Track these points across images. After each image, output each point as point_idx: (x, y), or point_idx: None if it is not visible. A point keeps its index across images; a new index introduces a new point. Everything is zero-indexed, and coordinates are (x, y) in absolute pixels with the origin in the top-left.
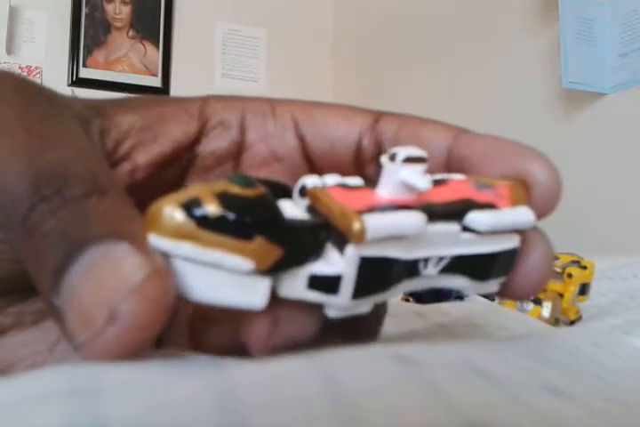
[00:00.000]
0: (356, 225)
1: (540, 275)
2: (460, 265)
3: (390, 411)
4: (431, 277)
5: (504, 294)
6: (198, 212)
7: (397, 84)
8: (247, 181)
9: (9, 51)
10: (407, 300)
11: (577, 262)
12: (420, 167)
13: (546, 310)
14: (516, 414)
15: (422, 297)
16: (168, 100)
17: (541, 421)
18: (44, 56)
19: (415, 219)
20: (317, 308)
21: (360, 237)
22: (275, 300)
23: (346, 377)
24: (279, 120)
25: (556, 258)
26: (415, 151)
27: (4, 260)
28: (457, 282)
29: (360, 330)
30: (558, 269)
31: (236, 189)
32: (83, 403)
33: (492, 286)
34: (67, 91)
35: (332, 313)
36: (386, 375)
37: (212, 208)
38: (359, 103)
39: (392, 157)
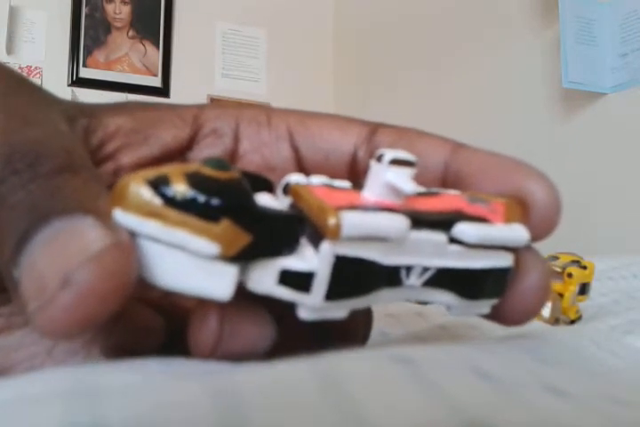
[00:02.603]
0: (332, 220)
1: (534, 298)
2: (446, 279)
3: (390, 411)
4: (414, 289)
5: (495, 317)
6: (165, 190)
7: (397, 84)
8: (221, 165)
9: (9, 51)
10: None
11: (577, 262)
12: (407, 171)
13: (546, 309)
14: (516, 414)
15: None
16: (163, 106)
17: (541, 421)
18: (44, 56)
19: (396, 221)
20: (267, 321)
21: (335, 233)
22: (222, 313)
23: (346, 378)
24: (274, 130)
25: (556, 258)
26: (403, 154)
27: None
28: (443, 298)
29: (346, 336)
30: (558, 269)
31: (207, 171)
32: (82, 404)
33: (483, 306)
34: (67, 91)
35: (303, 314)
36: (386, 376)
37: (179, 187)
38: (359, 103)
39: (379, 158)
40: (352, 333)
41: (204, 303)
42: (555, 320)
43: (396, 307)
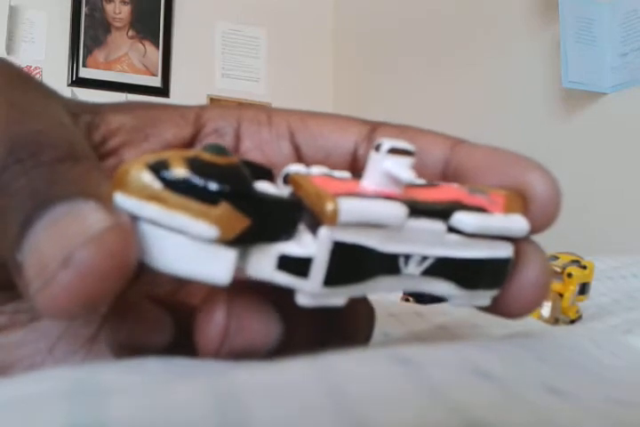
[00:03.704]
0: (329, 206)
1: (535, 290)
2: (445, 269)
3: (390, 411)
4: (413, 278)
5: (496, 309)
6: (165, 174)
7: (397, 84)
8: (220, 150)
9: (9, 50)
10: (407, 300)
11: (577, 262)
12: (405, 160)
13: (546, 309)
14: (516, 414)
15: (422, 297)
16: (165, 106)
17: (541, 421)
18: (43, 56)
19: (394, 208)
20: (274, 318)
21: (332, 219)
22: (229, 309)
23: (346, 378)
24: (275, 128)
25: (556, 258)
26: (401, 143)
27: None
28: (442, 287)
29: (348, 336)
30: (558, 269)
31: (206, 156)
32: (83, 404)
33: (483, 297)
34: (67, 91)
35: (302, 300)
36: (386, 376)
37: (179, 171)
38: (359, 103)
39: (377, 148)
40: (354, 332)
41: (210, 299)
42: (555, 320)
43: (396, 307)
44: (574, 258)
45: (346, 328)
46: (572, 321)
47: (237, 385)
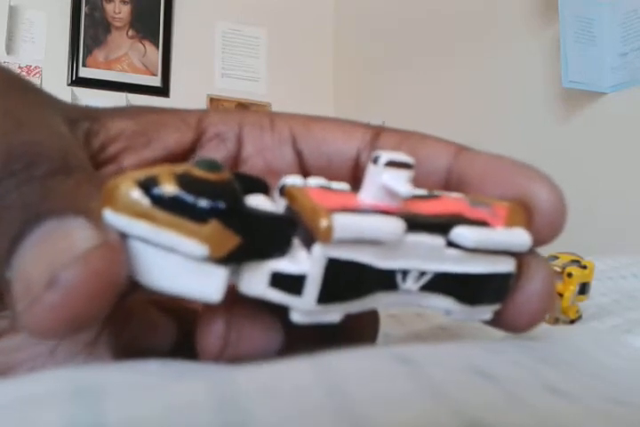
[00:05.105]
0: (324, 222)
1: (537, 305)
2: (444, 284)
3: (391, 411)
4: (411, 294)
5: (497, 324)
6: (154, 190)
7: (397, 84)
8: (212, 166)
9: (9, 50)
10: None
11: (577, 262)
12: (403, 173)
13: None
14: (516, 414)
15: None
16: (166, 110)
17: (541, 421)
18: (43, 56)
19: (391, 224)
20: (275, 326)
21: (327, 236)
22: (229, 318)
23: (346, 378)
24: (277, 133)
25: (556, 258)
26: (399, 156)
27: None
28: (441, 303)
29: (353, 338)
30: (558, 269)
31: (197, 172)
32: (84, 404)
33: (484, 312)
34: (66, 90)
35: (296, 317)
36: (386, 376)
37: (168, 188)
38: (359, 103)
39: (375, 160)
40: (359, 335)
41: (211, 308)
42: (555, 320)
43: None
44: (574, 258)
45: (350, 334)
46: (572, 321)
47: (237, 385)
